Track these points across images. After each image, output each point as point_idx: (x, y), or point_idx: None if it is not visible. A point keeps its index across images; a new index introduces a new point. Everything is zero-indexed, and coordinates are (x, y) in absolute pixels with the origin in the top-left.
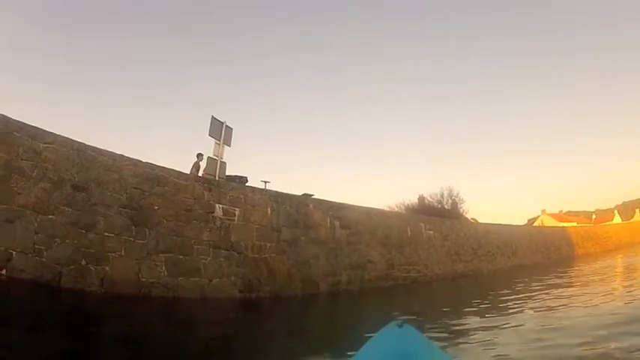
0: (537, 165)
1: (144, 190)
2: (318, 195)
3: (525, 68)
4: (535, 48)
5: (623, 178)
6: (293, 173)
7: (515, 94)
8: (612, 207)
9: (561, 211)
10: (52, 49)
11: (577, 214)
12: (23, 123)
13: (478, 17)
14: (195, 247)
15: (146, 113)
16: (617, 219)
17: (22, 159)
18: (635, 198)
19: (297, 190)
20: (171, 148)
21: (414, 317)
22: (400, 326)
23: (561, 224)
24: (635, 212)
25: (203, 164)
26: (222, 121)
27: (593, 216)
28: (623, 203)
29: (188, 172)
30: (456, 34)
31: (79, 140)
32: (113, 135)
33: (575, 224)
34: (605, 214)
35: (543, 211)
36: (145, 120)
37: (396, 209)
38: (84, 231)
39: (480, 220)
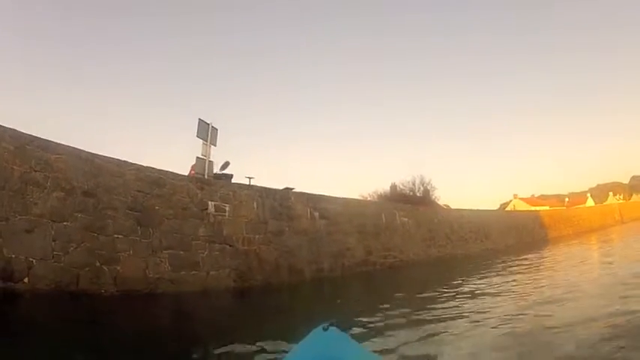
0: (509, 150)
1: (146, 193)
2: (297, 187)
3: (496, 53)
4: (509, 30)
5: (596, 162)
6: (271, 167)
7: (486, 79)
8: (586, 190)
9: (533, 195)
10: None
11: (550, 197)
12: (33, 136)
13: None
14: (193, 242)
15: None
16: (589, 202)
17: (35, 171)
18: (609, 181)
19: (276, 183)
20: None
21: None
22: (326, 329)
23: (533, 208)
24: (608, 195)
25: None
26: (209, 122)
27: (566, 199)
28: (598, 186)
29: (183, 173)
30: (431, 29)
31: (86, 150)
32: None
33: (547, 208)
34: (578, 197)
35: (515, 196)
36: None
37: (369, 198)
38: (96, 234)
39: (452, 206)
